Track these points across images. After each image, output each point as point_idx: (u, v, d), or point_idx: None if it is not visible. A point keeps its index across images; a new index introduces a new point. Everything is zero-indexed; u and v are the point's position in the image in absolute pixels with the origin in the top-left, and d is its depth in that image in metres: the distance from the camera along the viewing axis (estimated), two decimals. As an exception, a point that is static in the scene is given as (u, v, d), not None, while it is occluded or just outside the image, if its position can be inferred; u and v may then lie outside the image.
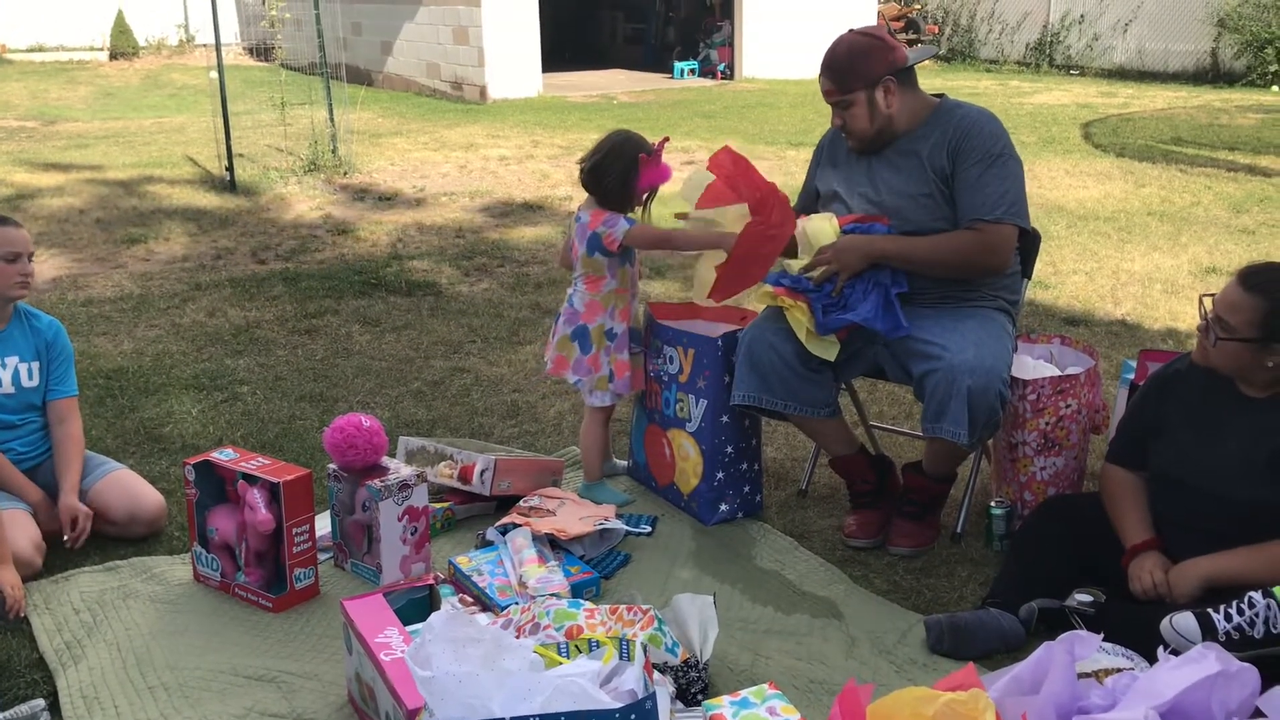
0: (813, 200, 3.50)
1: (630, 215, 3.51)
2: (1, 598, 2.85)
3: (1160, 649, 2.14)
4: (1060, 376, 3.34)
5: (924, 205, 3.21)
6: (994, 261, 3.20)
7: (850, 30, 3.28)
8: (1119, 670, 2.38)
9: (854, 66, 3.19)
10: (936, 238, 3.19)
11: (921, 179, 3.21)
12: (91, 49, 17.96)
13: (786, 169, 9.04)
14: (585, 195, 3.58)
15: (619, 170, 3.45)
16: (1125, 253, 6.48)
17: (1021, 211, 3.19)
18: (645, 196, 3.55)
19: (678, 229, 3.59)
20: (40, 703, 2.55)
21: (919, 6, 18.18)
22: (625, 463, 3.87)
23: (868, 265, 3.18)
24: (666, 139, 3.57)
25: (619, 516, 3.44)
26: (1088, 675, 2.30)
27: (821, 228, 3.24)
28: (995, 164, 3.16)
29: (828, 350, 3.23)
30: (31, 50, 17.79)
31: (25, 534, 3.14)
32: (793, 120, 11.78)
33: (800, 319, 3.20)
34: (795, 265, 3.27)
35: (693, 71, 16.03)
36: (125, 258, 6.72)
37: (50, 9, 17.75)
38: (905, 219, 3.23)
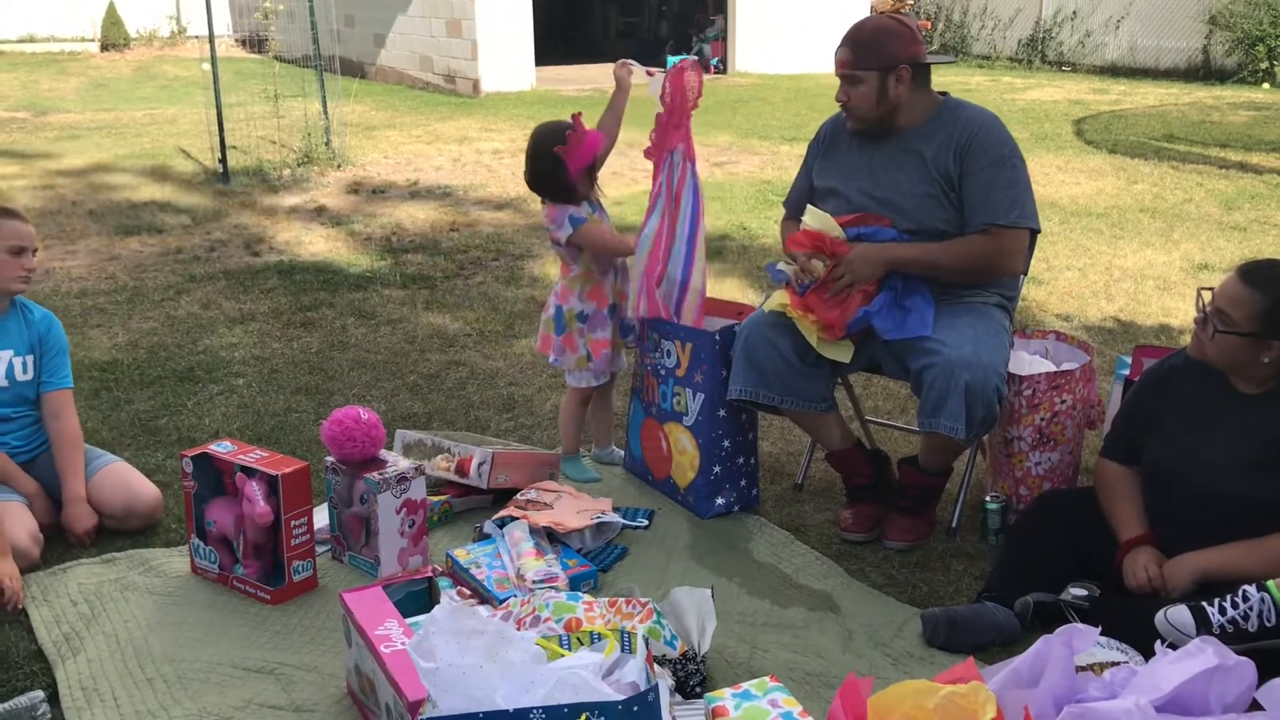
0: (807, 195, 3.50)
1: (576, 211, 3.51)
2: (0, 589, 2.85)
3: (1157, 643, 2.16)
4: (1055, 372, 3.36)
5: (925, 203, 3.22)
6: (1009, 266, 3.23)
7: (881, 12, 3.29)
8: (1115, 664, 2.39)
9: (875, 45, 3.20)
10: (951, 243, 3.20)
11: (924, 177, 3.22)
12: (83, 40, 17.86)
13: (780, 164, 9.05)
14: None
15: (548, 170, 3.51)
16: (1118, 249, 6.51)
17: (1033, 214, 3.22)
18: (589, 171, 3.56)
19: (615, 238, 3.62)
20: (39, 694, 2.56)
21: (912, 2, 18.20)
22: (622, 452, 3.89)
23: (883, 273, 3.19)
24: (578, 114, 3.59)
25: (616, 510, 3.45)
26: (1085, 669, 2.32)
27: (823, 219, 3.24)
28: (1005, 167, 3.18)
29: (842, 353, 3.25)
30: (22, 41, 17.69)
31: (23, 526, 3.14)
32: (786, 115, 11.78)
33: (810, 328, 3.21)
34: (776, 301, 3.27)
35: (686, 65, 16.01)
36: (119, 249, 6.70)
37: (41, -1, 17.66)
38: (905, 215, 3.24)
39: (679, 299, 3.50)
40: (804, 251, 3.24)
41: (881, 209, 3.27)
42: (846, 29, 3.29)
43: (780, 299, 3.29)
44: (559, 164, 3.47)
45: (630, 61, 3.74)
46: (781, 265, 3.33)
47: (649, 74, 3.63)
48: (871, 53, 3.20)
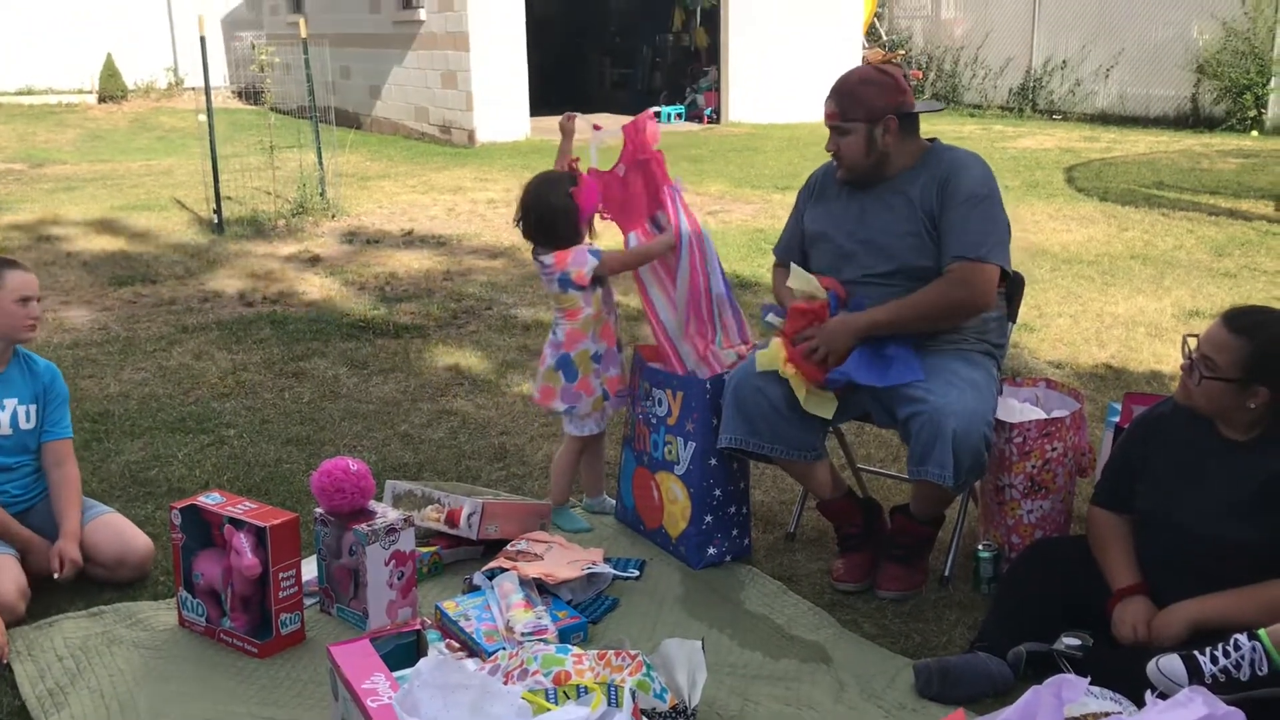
0: (798, 240, 3.52)
1: (593, 246, 3.60)
2: (-16, 644, 2.83)
3: (1148, 692, 2.14)
4: (1046, 420, 3.36)
5: (911, 244, 3.23)
6: (978, 301, 3.22)
7: (867, 63, 3.33)
8: (1107, 714, 2.38)
9: (861, 97, 3.23)
10: (918, 295, 3.20)
11: (910, 217, 3.24)
12: (80, 92, 18.03)
13: (772, 212, 9.10)
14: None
15: (558, 216, 3.54)
16: (1109, 296, 6.53)
17: (1003, 253, 3.22)
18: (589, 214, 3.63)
19: (639, 246, 3.62)
20: (22, 751, 2.53)
21: (903, 52, 18.40)
22: (613, 501, 3.88)
23: (857, 342, 3.19)
24: (575, 159, 3.71)
25: (607, 560, 3.43)
26: (1076, 719, 2.30)
27: (806, 279, 3.27)
28: (981, 205, 3.20)
29: (825, 408, 3.25)
30: (20, 93, 17.85)
31: (10, 579, 3.12)
32: (779, 164, 11.87)
33: (799, 384, 3.22)
34: (766, 359, 3.26)
35: (679, 116, 16.17)
36: (111, 300, 6.72)
37: (39, 52, 17.83)
38: (890, 257, 3.25)
39: (735, 314, 3.64)
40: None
41: (867, 251, 3.29)
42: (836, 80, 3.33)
43: (772, 356, 3.28)
44: (572, 208, 3.52)
45: (575, 114, 3.85)
46: (771, 317, 3.35)
47: (595, 127, 3.74)
48: (857, 104, 3.23)
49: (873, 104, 3.22)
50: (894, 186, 3.29)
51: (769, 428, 3.28)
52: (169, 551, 3.26)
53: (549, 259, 3.57)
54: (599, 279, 3.61)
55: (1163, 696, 2.06)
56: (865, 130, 3.23)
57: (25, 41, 17.70)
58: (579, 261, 3.54)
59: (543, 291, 3.68)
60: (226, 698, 2.81)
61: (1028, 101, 16.57)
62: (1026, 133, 14.23)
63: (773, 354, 3.27)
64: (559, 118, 3.88)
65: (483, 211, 9.38)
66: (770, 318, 3.34)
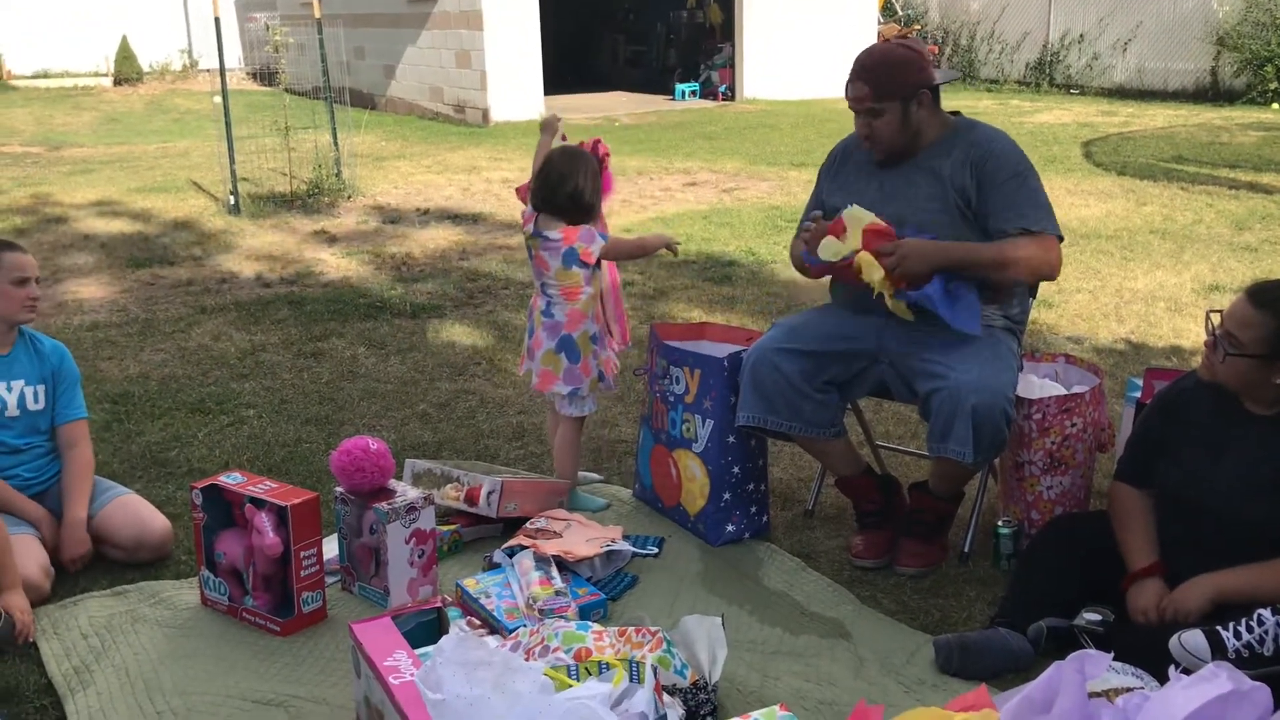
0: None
1: (599, 228, 3.60)
2: (11, 622, 2.85)
3: (1171, 668, 2.14)
4: (1065, 395, 3.34)
5: (937, 219, 3.20)
6: (1052, 272, 3.23)
7: (885, 40, 3.29)
8: (1129, 690, 2.37)
9: (893, 76, 3.19)
10: (1001, 244, 3.16)
11: (938, 193, 3.22)
12: (96, 75, 18.07)
13: (788, 189, 9.07)
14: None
15: (580, 191, 3.53)
16: (1128, 271, 6.49)
17: (1056, 225, 3.24)
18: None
19: (641, 237, 3.65)
20: (49, 728, 2.55)
21: (919, 27, 18.27)
22: (596, 475, 3.96)
23: (929, 272, 3.10)
24: (597, 139, 3.73)
25: (626, 538, 3.44)
26: (1098, 695, 2.30)
27: (861, 215, 3.17)
28: (1025, 180, 3.20)
29: (904, 313, 3.17)
30: (37, 76, 17.90)
31: (34, 559, 3.14)
32: (794, 141, 11.82)
33: (874, 272, 3.08)
34: (832, 249, 3.16)
35: (694, 93, 16.10)
36: (130, 281, 6.74)
37: (55, 35, 17.87)
38: (915, 230, 3.22)
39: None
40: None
41: (877, 208, 3.22)
42: (854, 56, 3.29)
43: (839, 246, 3.12)
44: (599, 180, 3.53)
45: (561, 118, 3.88)
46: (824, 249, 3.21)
47: (563, 138, 3.80)
48: (890, 82, 3.18)
49: (906, 80, 3.18)
50: (919, 162, 3.26)
51: (787, 405, 3.27)
52: (191, 531, 3.29)
53: (555, 233, 3.54)
54: (598, 261, 3.60)
55: (1186, 672, 2.05)
56: (900, 108, 3.19)
57: (42, 25, 17.73)
58: (587, 239, 3.52)
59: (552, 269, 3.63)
60: (249, 675, 2.83)
61: (1045, 76, 16.45)
62: (1044, 107, 14.13)
63: (842, 247, 3.13)
64: (562, 99, 3.89)
65: (498, 191, 9.37)
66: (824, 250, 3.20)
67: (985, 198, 3.18)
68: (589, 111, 14.40)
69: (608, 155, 3.72)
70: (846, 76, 3.25)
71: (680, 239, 7.23)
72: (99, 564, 3.35)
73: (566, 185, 3.51)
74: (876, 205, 3.26)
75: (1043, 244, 3.17)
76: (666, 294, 6.21)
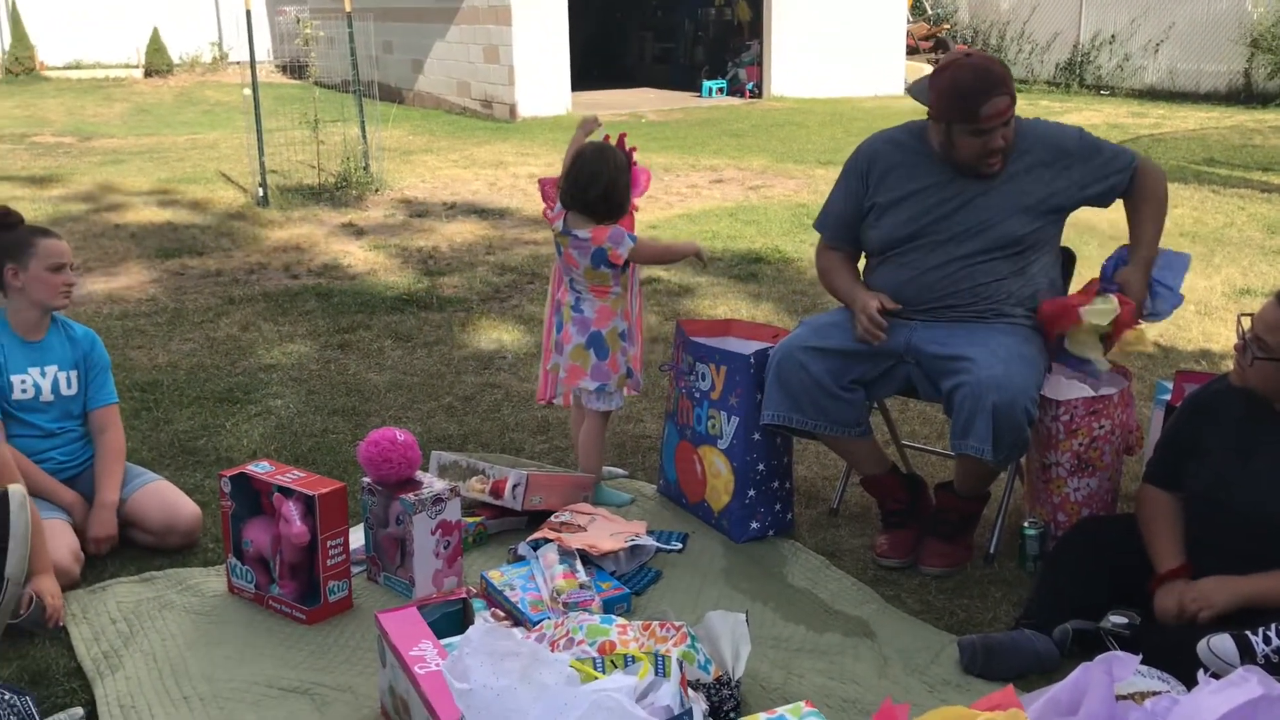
0: (850, 220, 3.46)
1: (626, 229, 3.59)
2: (42, 606, 2.88)
3: (1200, 671, 2.13)
4: (1094, 397, 3.32)
5: (1017, 217, 3.23)
6: (1163, 177, 3.43)
7: (969, 54, 3.27)
8: (1155, 693, 2.36)
9: (1009, 83, 3.21)
10: (1146, 213, 3.40)
11: (1013, 189, 3.23)
12: (127, 66, 18.19)
13: (815, 187, 9.05)
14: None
15: (614, 188, 3.52)
16: (1158, 273, 6.43)
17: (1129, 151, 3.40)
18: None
19: (669, 241, 3.64)
20: (79, 711, 2.58)
21: (948, 26, 18.19)
22: (621, 470, 3.97)
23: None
24: (623, 134, 3.71)
25: (650, 533, 3.44)
26: (1125, 698, 2.29)
27: (1102, 311, 3.24)
28: (1086, 139, 3.33)
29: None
30: (69, 67, 18.03)
31: (65, 544, 3.18)
32: (821, 139, 11.78)
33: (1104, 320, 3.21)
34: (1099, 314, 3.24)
35: (721, 90, 16.07)
36: (159, 271, 6.79)
37: (87, 27, 18.00)
38: (983, 223, 3.23)
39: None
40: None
41: (955, 216, 3.25)
42: (934, 72, 3.28)
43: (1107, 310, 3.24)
44: (628, 178, 3.52)
45: (600, 122, 3.87)
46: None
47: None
48: (1011, 91, 3.20)
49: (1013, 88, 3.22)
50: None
51: (812, 404, 3.27)
52: (218, 519, 3.31)
53: (584, 232, 3.53)
54: (627, 261, 3.59)
55: (1215, 676, 2.04)
56: (1013, 115, 3.22)
57: (74, 16, 17.86)
58: (616, 239, 3.51)
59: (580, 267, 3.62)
60: (275, 663, 2.85)
61: (1075, 77, 16.34)
62: (1073, 108, 14.03)
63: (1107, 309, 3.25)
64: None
65: (524, 186, 9.39)
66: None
67: (1071, 174, 3.26)
68: (616, 108, 14.40)
69: (634, 150, 3.72)
70: (968, 95, 3.13)
71: (707, 236, 7.22)
72: (128, 550, 3.39)
73: (598, 184, 3.49)
74: (945, 193, 3.26)
75: (1150, 168, 3.39)
76: (692, 290, 6.21)
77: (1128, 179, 3.33)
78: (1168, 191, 3.43)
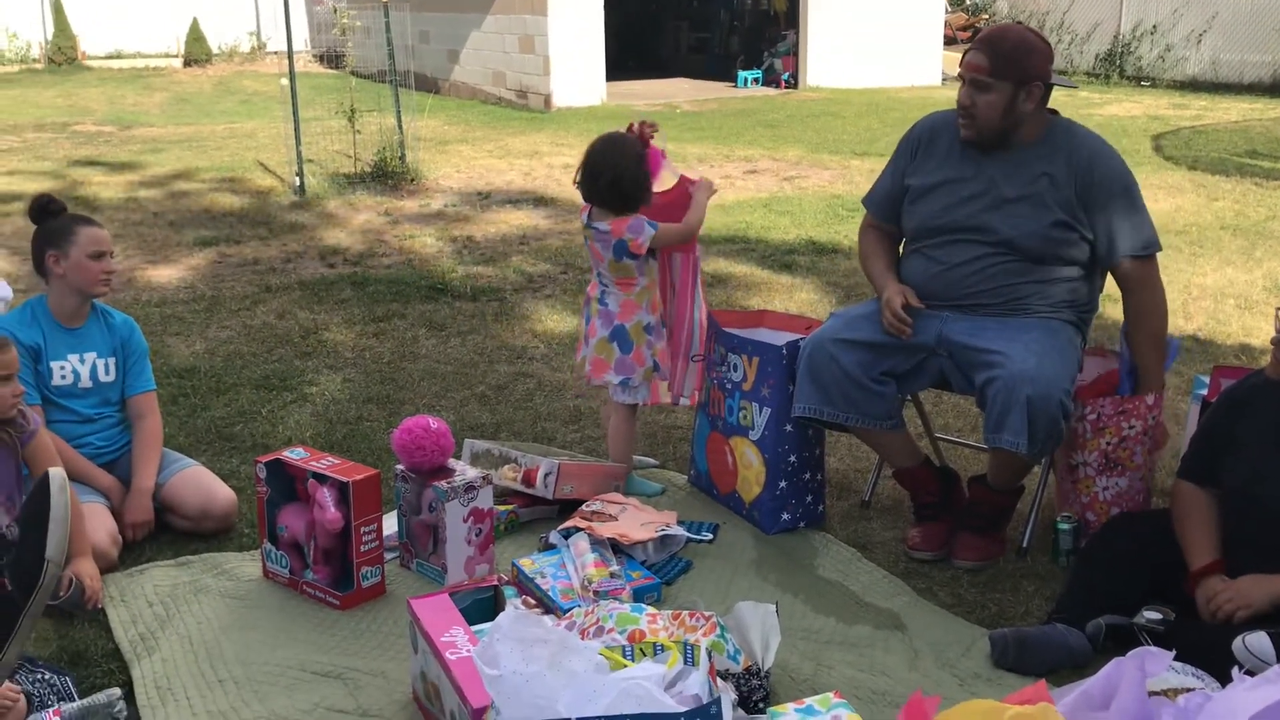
0: (894, 196, 3.44)
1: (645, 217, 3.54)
2: (81, 588, 2.93)
3: (1234, 669, 2.11)
4: (1123, 397, 3.28)
5: (1036, 210, 3.19)
6: (1162, 295, 3.28)
7: (959, 28, 3.25)
8: (1189, 690, 2.34)
9: (1016, 56, 3.14)
10: (1140, 339, 3.27)
11: (1038, 192, 3.20)
12: (167, 56, 18.35)
13: (850, 178, 9.00)
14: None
15: (634, 178, 3.49)
16: (1197, 267, 6.37)
17: (1156, 236, 3.29)
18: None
19: (687, 219, 3.60)
20: (116, 691, 2.62)
21: (987, 16, 18.02)
22: (652, 460, 3.97)
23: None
24: (644, 123, 3.61)
25: (681, 523, 3.45)
26: (1158, 694, 2.27)
27: None
28: (1133, 195, 3.23)
29: None
30: (110, 57, 18.22)
31: (103, 527, 3.23)
32: (857, 130, 11.71)
33: None
34: None
35: (756, 80, 16.01)
36: (197, 260, 6.86)
37: (128, 17, 18.17)
38: (1015, 218, 3.20)
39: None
40: None
41: (986, 213, 3.22)
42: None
43: None
44: (644, 173, 3.49)
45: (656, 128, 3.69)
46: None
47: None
48: (1012, 63, 3.13)
49: (1027, 67, 3.14)
50: (1022, 159, 3.22)
51: (843, 396, 3.26)
52: (254, 504, 3.35)
53: (604, 225, 3.52)
54: (653, 251, 3.57)
55: (1250, 674, 2.02)
56: (1010, 91, 3.14)
57: (115, 6, 18.03)
58: (636, 230, 3.49)
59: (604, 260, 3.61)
60: (309, 647, 2.88)
61: (1115, 68, 16.15)
62: (1113, 100, 13.88)
63: None
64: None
65: (559, 176, 9.40)
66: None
67: (1099, 214, 3.19)
68: (650, 98, 14.38)
69: (650, 132, 3.59)
70: (963, 51, 3.22)
71: (741, 227, 7.19)
72: (164, 534, 3.43)
73: (605, 175, 3.48)
74: (976, 186, 3.24)
75: (1149, 276, 3.24)
76: (725, 281, 6.20)
77: (1131, 259, 3.22)
78: (1166, 323, 3.34)
